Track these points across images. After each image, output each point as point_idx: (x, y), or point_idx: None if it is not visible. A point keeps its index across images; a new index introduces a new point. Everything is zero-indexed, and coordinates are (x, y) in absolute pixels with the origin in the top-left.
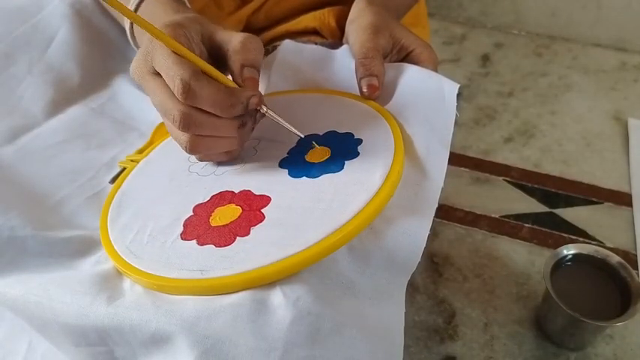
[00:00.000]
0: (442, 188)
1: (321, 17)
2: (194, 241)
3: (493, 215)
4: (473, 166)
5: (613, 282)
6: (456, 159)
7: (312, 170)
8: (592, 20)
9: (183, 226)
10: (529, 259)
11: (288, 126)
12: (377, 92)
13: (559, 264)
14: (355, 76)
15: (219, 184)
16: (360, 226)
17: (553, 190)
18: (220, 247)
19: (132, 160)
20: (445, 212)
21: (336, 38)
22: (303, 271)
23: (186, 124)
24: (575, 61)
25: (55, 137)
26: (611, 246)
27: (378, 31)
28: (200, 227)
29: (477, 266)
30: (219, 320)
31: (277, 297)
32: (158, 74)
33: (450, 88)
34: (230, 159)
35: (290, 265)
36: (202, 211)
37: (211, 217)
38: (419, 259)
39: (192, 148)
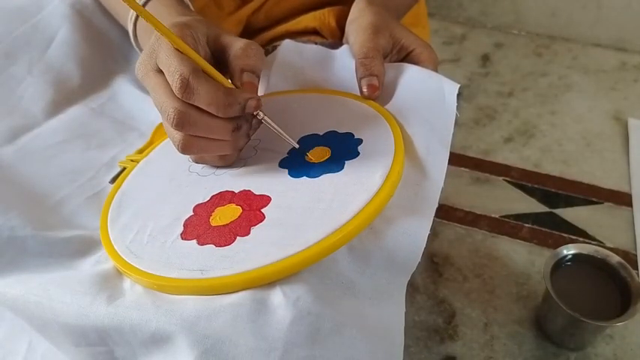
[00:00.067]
0: (442, 188)
1: (321, 17)
2: (194, 241)
3: (493, 215)
4: (473, 166)
5: (613, 282)
6: (456, 159)
7: (312, 170)
8: (592, 20)
9: (184, 225)
10: (529, 259)
11: (284, 135)
12: (377, 92)
13: (559, 264)
14: (355, 76)
15: (219, 184)
16: (360, 226)
17: (553, 190)
18: (220, 246)
19: (132, 160)
20: (445, 212)
21: (336, 38)
22: (303, 271)
23: (180, 122)
24: (575, 61)
25: (55, 137)
26: (611, 246)
27: (378, 31)
28: (200, 227)
29: (477, 266)
30: (219, 320)
31: (277, 297)
32: (161, 72)
33: (450, 88)
34: (225, 164)
35: (290, 265)
36: (202, 210)
37: (211, 217)
38: (419, 259)
39: (184, 148)
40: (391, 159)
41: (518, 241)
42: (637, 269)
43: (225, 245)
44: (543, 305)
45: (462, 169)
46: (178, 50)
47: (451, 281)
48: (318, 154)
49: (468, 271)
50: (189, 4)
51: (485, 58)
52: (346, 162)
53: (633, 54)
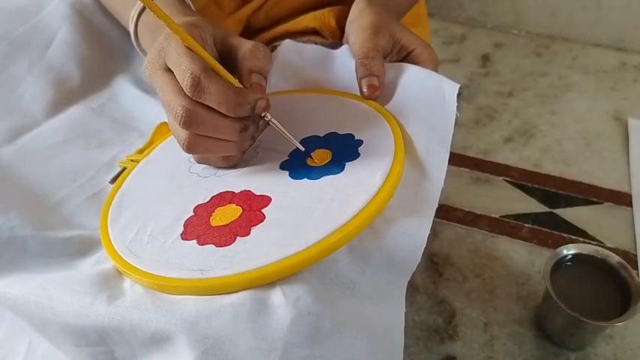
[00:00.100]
0: (442, 188)
1: (321, 17)
2: (194, 241)
3: (493, 215)
4: (473, 166)
5: (613, 282)
6: (456, 159)
7: (312, 172)
8: (592, 20)
9: (184, 226)
10: (529, 259)
11: (290, 137)
12: (377, 92)
13: (559, 264)
14: (355, 76)
15: (219, 185)
16: (360, 226)
17: (553, 190)
18: (220, 247)
19: (132, 160)
20: (445, 212)
21: (336, 38)
22: (303, 271)
23: (187, 120)
24: (575, 61)
25: (55, 137)
26: (611, 246)
27: (378, 31)
28: (200, 227)
29: (477, 266)
30: (219, 320)
31: (277, 297)
32: (169, 70)
33: (450, 88)
34: (228, 165)
35: (290, 265)
36: (203, 211)
37: (212, 217)
38: (419, 259)
39: (189, 147)
40: (391, 159)
41: (518, 241)
42: (637, 269)
43: (226, 245)
44: (543, 305)
45: (462, 169)
46: (189, 49)
47: (451, 281)
48: (319, 157)
49: (468, 271)
50: (191, 4)
51: (485, 58)
52: (347, 163)
53: (633, 54)
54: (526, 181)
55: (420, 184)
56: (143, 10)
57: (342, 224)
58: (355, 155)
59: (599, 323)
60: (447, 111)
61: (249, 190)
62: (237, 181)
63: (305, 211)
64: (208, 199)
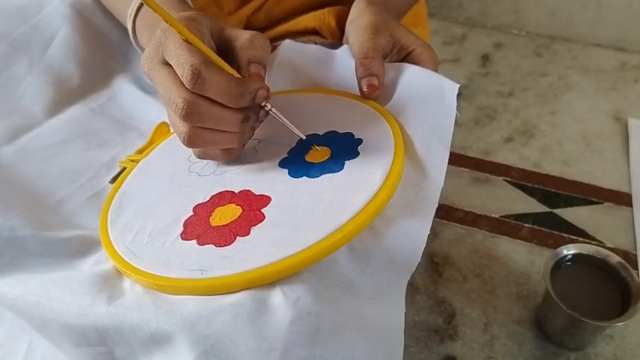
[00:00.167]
0: (442, 188)
1: (321, 17)
2: (194, 241)
3: (493, 215)
4: (473, 166)
5: (613, 282)
6: (456, 159)
7: (312, 170)
8: (592, 20)
9: (184, 226)
10: (529, 259)
11: (291, 126)
12: (377, 92)
13: (559, 264)
14: (355, 76)
15: (219, 184)
16: (360, 226)
17: (553, 190)
18: (220, 246)
19: (132, 160)
20: (445, 212)
21: (336, 38)
22: (303, 271)
23: (188, 112)
24: (575, 61)
25: (55, 137)
26: (611, 246)
27: (378, 31)
28: (200, 227)
29: (477, 266)
30: (219, 320)
31: (277, 297)
32: (168, 64)
33: (450, 88)
34: (229, 159)
35: (290, 265)
36: (202, 211)
37: (211, 217)
38: (419, 259)
39: (190, 140)
40: (391, 159)
41: (518, 241)
42: (637, 269)
43: (225, 245)
44: (543, 305)
45: (462, 169)
46: (187, 42)
47: (451, 281)
48: (318, 155)
49: (468, 271)
50: (189, 2)
51: (485, 58)
52: (346, 162)
53: (633, 54)
54: (526, 181)
55: (420, 184)
56: (141, 6)
57: (342, 224)
58: (355, 154)
59: (599, 323)
60: (447, 111)
61: (249, 190)
62: (236, 180)
63: (305, 211)
64: (208, 199)
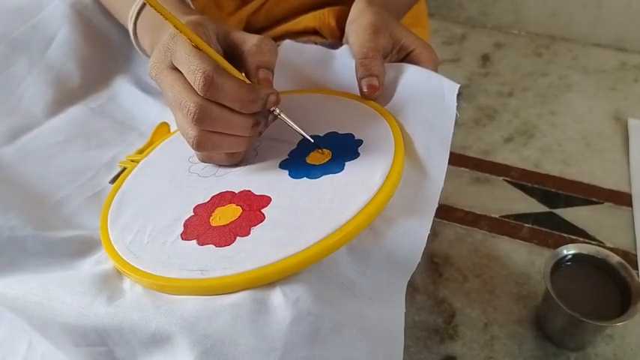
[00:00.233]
0: (442, 188)
1: (321, 17)
2: (194, 241)
3: (493, 215)
4: (473, 166)
5: (613, 282)
6: (456, 159)
7: (312, 171)
8: (592, 20)
9: (184, 226)
10: (529, 259)
11: (299, 130)
12: (377, 92)
13: (559, 264)
14: (355, 76)
15: (219, 185)
16: (360, 226)
17: (553, 190)
18: (220, 247)
19: (132, 160)
20: (445, 212)
21: (336, 38)
22: (303, 271)
23: (200, 117)
24: (575, 61)
25: (55, 137)
26: (611, 246)
27: (378, 31)
28: (200, 227)
29: (477, 266)
30: (219, 320)
31: (277, 297)
32: (176, 69)
33: (450, 88)
34: (233, 162)
35: (290, 265)
36: (203, 211)
37: (212, 217)
38: (419, 259)
39: (199, 144)
40: (391, 159)
41: (518, 241)
42: (637, 269)
43: (225, 245)
44: (543, 305)
45: (462, 169)
46: (196, 48)
47: (451, 281)
48: (318, 156)
49: (468, 271)
50: (190, 3)
51: (485, 58)
52: (346, 163)
53: (633, 54)
54: (526, 181)
55: (420, 184)
56: (142, 8)
57: (342, 224)
58: (355, 155)
59: (599, 323)
60: (447, 111)
61: (249, 190)
62: (237, 180)
63: (305, 211)
64: (208, 199)
